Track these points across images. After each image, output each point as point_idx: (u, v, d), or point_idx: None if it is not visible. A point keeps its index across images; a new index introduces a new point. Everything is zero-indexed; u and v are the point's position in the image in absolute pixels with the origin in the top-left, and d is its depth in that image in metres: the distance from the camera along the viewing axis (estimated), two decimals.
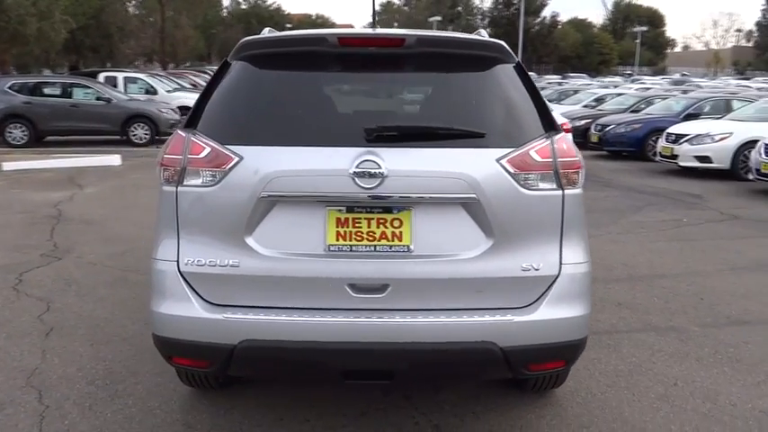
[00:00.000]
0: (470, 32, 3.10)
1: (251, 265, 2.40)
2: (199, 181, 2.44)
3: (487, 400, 3.22)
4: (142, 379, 3.48)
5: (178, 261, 2.47)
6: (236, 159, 2.38)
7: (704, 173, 11.19)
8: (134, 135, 14.46)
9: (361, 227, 2.38)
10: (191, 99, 17.79)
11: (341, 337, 2.35)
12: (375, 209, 2.38)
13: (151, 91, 17.56)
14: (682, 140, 11.41)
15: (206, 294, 2.44)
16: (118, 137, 14.57)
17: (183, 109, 16.42)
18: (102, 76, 17.44)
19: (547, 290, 2.44)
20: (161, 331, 2.51)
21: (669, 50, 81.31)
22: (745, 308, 4.65)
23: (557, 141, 2.46)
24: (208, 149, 2.42)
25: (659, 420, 3.07)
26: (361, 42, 2.54)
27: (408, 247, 2.38)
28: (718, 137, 11.10)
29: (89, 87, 14.86)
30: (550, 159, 2.42)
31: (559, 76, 43.42)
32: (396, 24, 66.72)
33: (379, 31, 2.65)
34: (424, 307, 2.39)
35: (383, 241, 2.38)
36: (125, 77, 17.96)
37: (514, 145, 2.42)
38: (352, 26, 72.62)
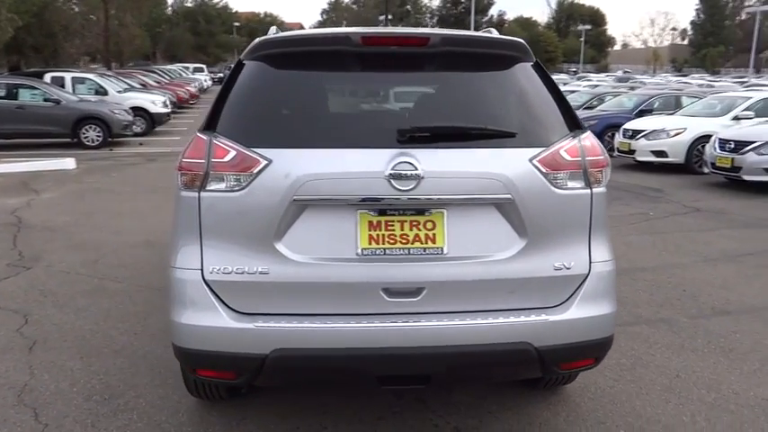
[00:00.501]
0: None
1: (281, 271, 2.32)
2: (223, 185, 2.34)
3: (501, 399, 3.22)
4: (143, 392, 3.34)
5: (202, 269, 2.37)
6: (265, 163, 2.30)
7: (660, 167, 11.53)
8: (86, 137, 13.93)
9: (393, 230, 2.33)
10: (143, 100, 17.31)
11: (376, 342, 2.29)
12: (408, 211, 2.34)
13: (101, 91, 16.94)
14: (638, 136, 11.74)
15: (233, 303, 2.35)
16: (68, 139, 14.01)
17: (136, 110, 15.93)
18: (48, 77, 16.72)
19: (578, 289, 2.45)
20: (185, 343, 2.40)
21: (610, 49, 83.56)
22: (726, 298, 4.80)
23: (583, 140, 2.47)
24: (233, 153, 2.33)
25: (670, 411, 3.13)
26: (384, 42, 2.48)
27: (442, 249, 2.34)
28: (672, 132, 11.47)
29: (36, 88, 14.24)
30: (579, 158, 2.43)
31: None
32: (344, 23, 66.54)
33: (404, 30, 2.60)
34: (459, 309, 2.36)
35: (417, 244, 2.34)
36: (73, 78, 17.26)
37: (544, 144, 2.42)
38: (301, 25, 72.02)
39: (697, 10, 78.54)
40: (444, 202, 2.33)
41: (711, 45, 69.83)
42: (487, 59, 2.55)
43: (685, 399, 3.26)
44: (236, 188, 2.32)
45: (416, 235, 2.34)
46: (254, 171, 2.30)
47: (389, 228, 2.33)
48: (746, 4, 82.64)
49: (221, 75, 45.91)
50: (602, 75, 45.03)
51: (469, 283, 2.35)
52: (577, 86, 23.73)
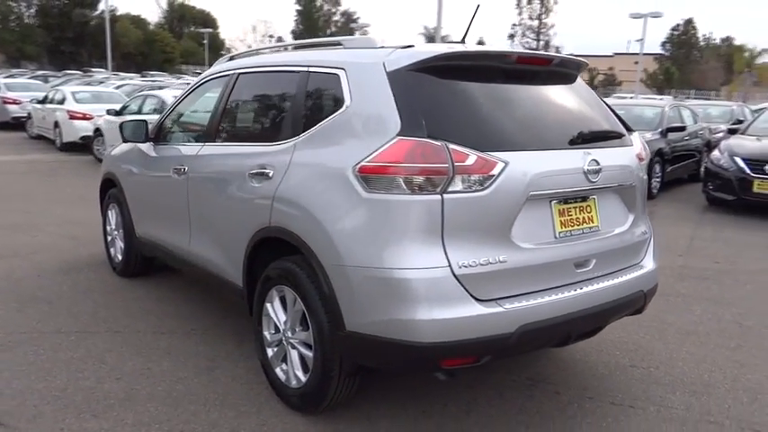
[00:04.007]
0: None
1: (515, 258, 2.69)
2: (464, 186, 2.57)
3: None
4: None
5: (450, 265, 2.55)
6: (503, 164, 2.62)
7: None
8: None
9: (572, 215, 2.91)
10: None
11: (575, 306, 2.85)
12: (578, 199, 2.93)
13: None
14: None
15: (476, 292, 2.61)
16: None
17: None
18: None
19: (647, 248, 3.37)
20: (432, 338, 2.55)
21: (225, 52, 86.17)
22: None
23: (640, 137, 3.40)
24: (473, 156, 2.58)
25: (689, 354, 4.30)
26: (528, 61, 3.01)
27: (598, 227, 3.01)
28: None
29: None
30: (645, 151, 3.35)
31: (139, 75, 42.09)
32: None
33: (538, 52, 3.13)
34: (608, 272, 3.07)
35: (584, 225, 2.96)
36: None
37: (630, 142, 3.27)
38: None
39: (296, 20, 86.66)
40: (601, 190, 2.99)
41: None
42: (572, 75, 3.27)
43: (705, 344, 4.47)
44: (480, 188, 2.59)
45: (583, 217, 2.96)
46: (495, 172, 2.60)
47: (569, 214, 2.91)
48: (333, 19, 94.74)
49: None
50: None
51: (612, 251, 3.08)
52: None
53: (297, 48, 3.97)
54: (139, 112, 12.33)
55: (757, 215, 8.86)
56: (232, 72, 3.98)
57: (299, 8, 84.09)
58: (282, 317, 3.21)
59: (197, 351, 3.91)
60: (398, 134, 2.64)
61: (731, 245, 7.20)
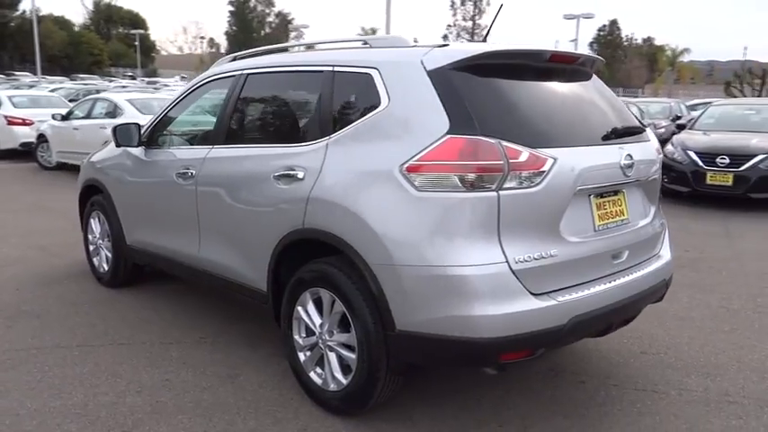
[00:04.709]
0: None
1: (564, 251, 2.75)
2: (518, 183, 2.61)
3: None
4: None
5: (507, 261, 2.59)
6: (553, 160, 2.67)
7: None
8: None
9: (607, 208, 3.00)
10: None
11: (616, 297, 2.94)
12: (611, 193, 3.02)
13: None
14: None
15: (531, 286, 2.65)
16: None
17: None
18: None
19: (663, 239, 3.51)
20: (492, 333, 2.58)
21: (155, 54, 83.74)
22: None
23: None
24: (526, 153, 2.62)
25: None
26: (560, 59, 3.08)
27: (628, 219, 3.12)
28: None
29: None
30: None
31: (67, 78, 40.44)
32: None
33: (567, 50, 3.20)
34: (637, 263, 3.18)
35: (617, 218, 3.06)
36: None
37: (648, 137, 3.39)
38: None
39: (229, 22, 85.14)
40: (629, 183, 3.09)
41: None
42: (590, 72, 3.37)
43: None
44: (532, 184, 2.63)
45: (615, 210, 3.06)
46: (546, 168, 2.66)
47: (605, 207, 3.00)
48: (268, 20, 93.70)
49: None
50: (173, 79, 45.47)
51: (640, 242, 3.20)
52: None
53: (309, 48, 3.92)
54: (89, 116, 11.87)
55: (711, 205, 9.32)
56: (239, 73, 3.89)
57: (232, 9, 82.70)
58: (317, 319, 3.17)
59: (213, 359, 3.81)
60: (448, 133, 2.66)
61: (693, 234, 7.56)
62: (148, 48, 75.84)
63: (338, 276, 2.97)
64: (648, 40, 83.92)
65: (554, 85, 3.11)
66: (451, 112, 2.69)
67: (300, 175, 3.15)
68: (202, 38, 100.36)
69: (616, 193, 3.08)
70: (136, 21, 78.35)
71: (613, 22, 76.82)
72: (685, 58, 72.44)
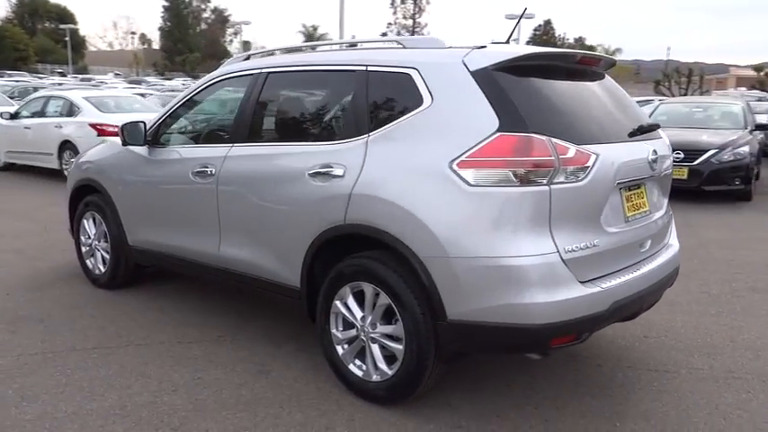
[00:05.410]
0: None
1: (604, 241, 2.94)
2: (566, 177, 2.78)
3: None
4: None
5: (558, 251, 2.75)
6: (596, 156, 2.85)
7: None
8: None
9: (633, 200, 3.21)
10: None
11: (645, 283, 3.16)
12: (636, 186, 3.23)
13: None
14: None
15: (578, 275, 2.83)
16: None
17: None
18: None
19: (671, 230, 3.76)
20: (545, 319, 2.73)
21: (85, 50, 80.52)
22: None
23: None
24: (573, 149, 2.79)
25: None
26: (587, 62, 3.28)
27: (649, 210, 3.34)
28: None
29: None
30: None
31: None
32: None
33: (590, 52, 3.38)
34: (656, 251, 3.41)
35: (641, 209, 3.27)
36: None
37: (661, 134, 3.62)
38: None
39: (163, 17, 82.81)
40: (650, 177, 3.31)
41: (183, 51, 74.94)
42: (604, 73, 3.58)
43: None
44: (578, 179, 2.81)
45: (640, 203, 3.27)
46: (590, 163, 2.83)
47: (631, 200, 3.21)
48: (204, 16, 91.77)
49: None
50: (109, 76, 43.96)
51: (658, 233, 3.43)
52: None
53: (340, 47, 3.99)
54: (42, 115, 11.44)
55: (669, 198, 9.83)
56: (257, 71, 3.91)
57: (166, 4, 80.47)
58: (359, 312, 3.25)
59: (238, 357, 3.83)
60: (498, 130, 2.80)
61: None
62: (78, 43, 72.82)
63: (382, 270, 3.07)
64: (580, 40, 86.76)
65: (582, 84, 3.30)
66: (500, 111, 2.83)
67: (339, 172, 3.23)
68: (133, 33, 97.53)
69: (639, 186, 3.29)
70: (63, 15, 75.10)
71: (548, 22, 79.02)
72: (617, 58, 75.28)
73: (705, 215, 8.78)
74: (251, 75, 3.94)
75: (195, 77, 63.48)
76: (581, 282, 2.84)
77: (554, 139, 2.79)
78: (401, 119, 3.11)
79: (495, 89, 2.89)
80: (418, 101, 3.07)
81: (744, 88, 41.91)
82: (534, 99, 2.96)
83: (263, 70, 3.88)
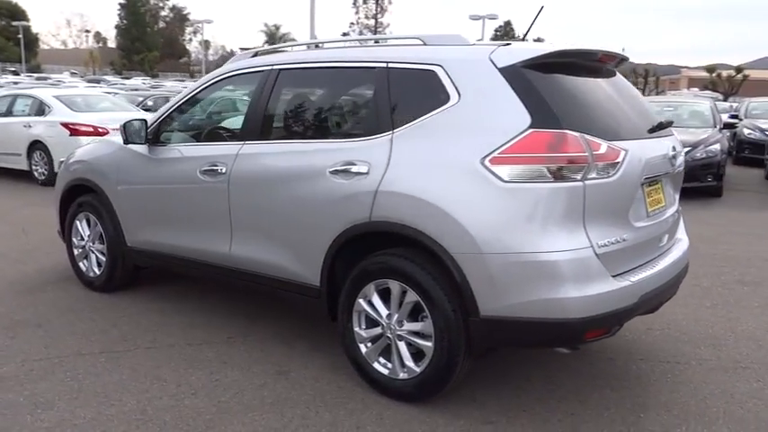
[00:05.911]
0: None
1: (632, 235, 3.00)
2: (598, 173, 2.82)
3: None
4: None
5: (592, 246, 2.79)
6: (625, 152, 2.89)
7: None
8: None
9: (653, 196, 3.27)
10: None
11: (667, 276, 3.23)
12: (654, 182, 3.30)
13: None
14: None
15: (610, 269, 2.87)
16: None
17: None
18: None
19: (681, 225, 3.85)
20: (580, 313, 2.76)
21: (39, 48, 78.15)
22: None
23: None
24: (605, 145, 2.83)
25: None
26: (606, 59, 3.33)
27: (665, 206, 3.41)
28: None
29: None
30: None
31: None
32: None
33: (608, 49, 3.42)
34: (672, 245, 3.49)
35: (659, 205, 3.34)
36: None
37: (673, 131, 3.70)
38: None
39: (119, 15, 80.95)
40: (666, 174, 3.38)
41: (141, 50, 73.36)
42: (615, 70, 3.65)
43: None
44: (609, 175, 2.85)
45: (658, 198, 3.34)
46: (620, 159, 2.88)
47: (651, 195, 3.27)
48: (162, 14, 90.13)
49: None
50: (65, 75, 42.79)
51: (672, 227, 3.52)
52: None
53: (360, 44, 3.97)
54: (9, 114, 11.06)
55: None
56: (267, 68, 3.85)
57: (122, 1, 78.69)
58: (384, 310, 3.23)
59: (252, 358, 3.77)
60: (530, 127, 2.82)
61: None
62: (31, 41, 70.62)
63: (410, 266, 3.06)
64: (538, 41, 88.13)
65: (601, 81, 3.35)
66: (531, 108, 2.85)
67: (363, 169, 3.20)
68: (87, 31, 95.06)
69: (656, 182, 3.36)
70: (15, 11, 72.69)
71: (508, 23, 79.84)
72: None
73: (683, 212, 9.01)
74: (261, 72, 3.89)
75: (154, 76, 62.33)
76: (613, 276, 2.89)
77: (587, 136, 2.82)
78: (427, 116, 3.11)
79: (524, 86, 2.92)
80: (445, 98, 3.08)
81: (696, 89, 43.18)
82: (563, 96, 2.99)
83: (275, 67, 3.83)
